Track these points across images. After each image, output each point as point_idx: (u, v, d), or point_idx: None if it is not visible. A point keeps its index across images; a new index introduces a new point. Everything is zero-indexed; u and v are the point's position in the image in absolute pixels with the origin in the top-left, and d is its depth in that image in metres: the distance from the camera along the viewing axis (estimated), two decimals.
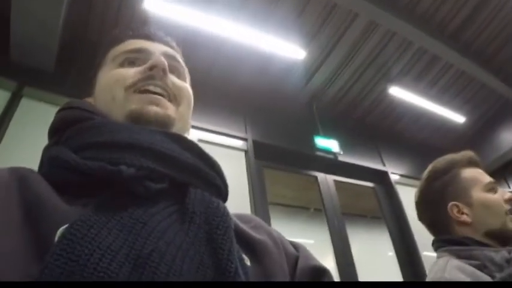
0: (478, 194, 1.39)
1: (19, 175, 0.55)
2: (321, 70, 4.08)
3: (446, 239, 1.41)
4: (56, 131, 0.66)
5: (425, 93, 4.53)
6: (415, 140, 5.01)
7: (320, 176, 3.92)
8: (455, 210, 1.40)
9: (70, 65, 2.89)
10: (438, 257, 1.38)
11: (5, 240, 0.46)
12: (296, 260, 0.67)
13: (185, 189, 0.60)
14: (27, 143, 2.22)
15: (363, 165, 4.22)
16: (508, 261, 1.19)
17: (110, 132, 0.60)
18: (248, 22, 3.36)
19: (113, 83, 0.71)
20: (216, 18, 3.24)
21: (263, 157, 3.50)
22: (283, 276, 0.62)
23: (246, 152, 3.41)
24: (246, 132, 3.57)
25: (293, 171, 3.93)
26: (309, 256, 0.69)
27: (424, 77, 4.43)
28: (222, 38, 3.45)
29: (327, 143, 4.03)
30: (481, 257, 1.24)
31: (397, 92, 4.32)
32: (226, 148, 3.28)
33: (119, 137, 0.59)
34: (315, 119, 4.23)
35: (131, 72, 0.71)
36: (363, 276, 3.39)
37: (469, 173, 1.45)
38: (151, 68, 0.70)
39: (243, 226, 0.67)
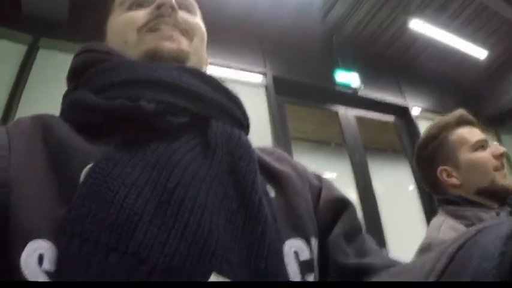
0: (465, 155, 1.43)
1: (41, 121, 0.55)
2: (340, 2, 3.96)
3: (443, 198, 1.47)
4: (74, 76, 0.66)
5: (447, 26, 4.36)
6: (436, 75, 4.89)
7: (341, 110, 3.89)
8: (444, 174, 1.46)
9: (83, 12, 2.85)
10: (439, 214, 1.43)
11: (32, 184, 0.47)
12: (319, 191, 0.67)
13: (206, 123, 0.59)
14: (48, 93, 2.23)
15: (384, 99, 4.17)
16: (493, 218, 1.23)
17: (128, 70, 0.59)
18: None
19: (124, 27, 0.70)
20: None
21: (283, 92, 3.47)
22: (307, 207, 0.62)
23: (266, 87, 3.38)
24: (265, 67, 3.53)
25: (314, 106, 3.90)
26: (331, 187, 0.69)
27: (445, 9, 4.26)
28: None
29: (347, 77, 3.96)
30: (472, 217, 1.30)
31: (418, 25, 4.16)
32: (246, 85, 3.26)
33: (137, 74, 0.58)
34: (334, 53, 4.15)
35: (140, 14, 0.70)
36: (384, 210, 3.42)
37: (457, 134, 1.49)
38: (158, 7, 0.69)
39: (266, 158, 0.67)
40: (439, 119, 1.58)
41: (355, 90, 3.95)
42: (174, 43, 0.67)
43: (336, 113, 3.87)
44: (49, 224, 0.44)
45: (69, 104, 0.60)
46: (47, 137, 0.53)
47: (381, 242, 2.99)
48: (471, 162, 1.42)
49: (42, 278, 0.41)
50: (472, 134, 1.48)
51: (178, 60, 0.66)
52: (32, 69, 2.58)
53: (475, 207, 1.36)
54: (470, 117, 1.54)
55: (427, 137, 1.54)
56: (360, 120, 3.94)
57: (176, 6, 0.70)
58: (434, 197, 1.56)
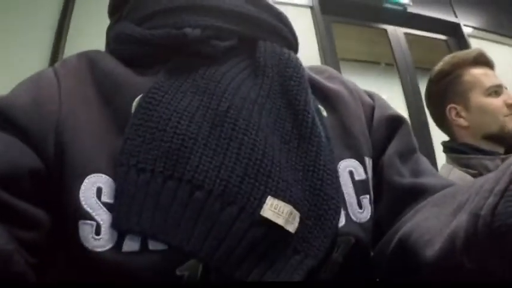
0: (477, 98, 1.39)
1: (88, 58, 0.55)
2: None
3: (448, 145, 1.46)
4: (115, 9, 0.65)
5: None
6: None
7: (390, 29, 3.74)
8: (453, 113, 1.43)
9: None
10: (446, 162, 1.45)
11: (85, 120, 0.48)
12: (372, 109, 0.65)
13: (254, 44, 0.58)
14: (93, 29, 2.23)
15: (434, 16, 3.97)
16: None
17: None
18: None
19: None
20: None
21: (330, 12, 3.36)
22: (360, 125, 0.61)
23: (311, 8, 3.27)
24: None
25: (362, 24, 3.76)
26: (385, 105, 0.67)
27: None
28: None
29: None
30: (478, 165, 1.30)
31: None
32: (291, 6, 3.17)
33: (179, 1, 0.57)
34: None
35: None
36: (435, 130, 3.35)
37: (471, 74, 1.44)
38: None
39: (317, 77, 0.65)
40: (453, 54, 1.53)
41: (404, 7, 3.78)
42: None
43: (385, 32, 3.73)
44: (105, 157, 0.45)
45: (113, 38, 0.60)
46: (95, 72, 0.53)
47: (433, 164, 2.94)
48: (482, 106, 1.39)
49: (102, 210, 0.43)
50: (487, 77, 1.42)
51: None
52: (73, 12, 2.58)
53: (479, 154, 1.34)
54: (488, 57, 1.48)
55: (439, 71, 1.49)
56: (410, 38, 3.78)
57: None
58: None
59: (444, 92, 1.47)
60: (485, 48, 1.52)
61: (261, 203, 0.44)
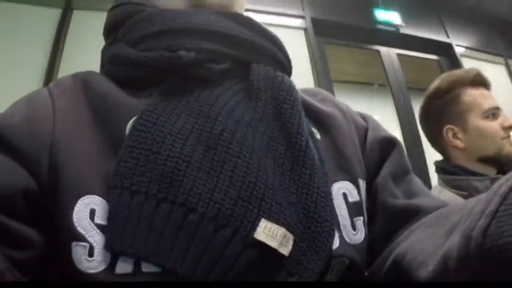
0: (475, 121, 1.39)
1: (82, 79, 0.56)
2: None
3: (441, 166, 1.45)
4: (110, 31, 0.65)
5: None
6: (481, 9, 4.61)
7: (383, 50, 3.78)
8: (450, 134, 1.42)
9: None
10: (437, 183, 1.44)
11: (79, 142, 0.48)
12: (366, 131, 0.65)
13: (248, 67, 0.58)
14: (87, 52, 2.24)
15: (427, 37, 4.02)
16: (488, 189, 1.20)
17: (164, 20, 0.58)
18: None
19: None
20: None
21: (323, 34, 3.39)
22: (354, 147, 0.61)
23: (305, 30, 3.30)
24: (303, 9, 3.44)
25: (355, 46, 3.80)
26: (378, 127, 0.68)
27: None
28: None
29: (388, 15, 3.81)
30: (468, 187, 1.30)
31: None
32: (284, 28, 3.19)
33: (174, 23, 0.57)
34: None
35: None
36: (429, 150, 3.36)
37: (470, 95, 1.42)
38: None
39: (310, 99, 0.65)
40: (450, 72, 1.52)
41: (397, 28, 3.82)
42: None
43: (378, 53, 3.77)
44: (99, 179, 0.45)
45: (108, 59, 0.60)
46: (90, 94, 0.53)
47: (427, 184, 2.95)
48: (480, 129, 1.38)
49: (95, 231, 0.43)
50: (485, 99, 1.42)
51: (226, 8, 0.62)
52: (68, 32, 2.60)
53: (470, 176, 1.34)
54: (485, 78, 1.47)
55: (437, 89, 1.48)
56: (402, 59, 3.82)
57: None
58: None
59: (441, 111, 1.46)
60: (475, 67, 1.51)
61: (254, 225, 0.44)
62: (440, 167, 1.47)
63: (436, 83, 1.49)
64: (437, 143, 1.50)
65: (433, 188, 1.47)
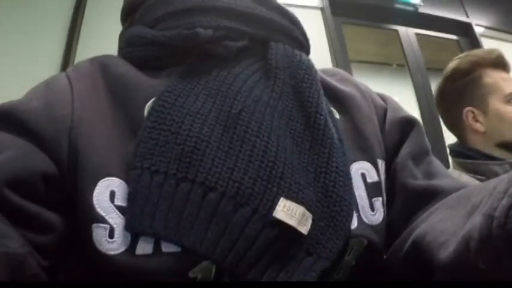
0: (496, 104, 1.34)
1: (100, 62, 0.56)
2: None
3: (456, 149, 1.41)
4: (127, 15, 0.65)
5: None
6: None
7: (401, 29, 3.72)
8: (470, 116, 1.37)
9: None
10: (453, 168, 1.39)
11: (98, 125, 0.48)
12: (385, 111, 0.65)
13: (266, 45, 0.58)
14: (104, 35, 2.23)
15: (446, 16, 3.95)
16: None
17: (180, 0, 0.58)
18: None
19: None
20: None
21: (340, 13, 3.35)
22: (373, 127, 0.61)
23: (322, 9, 3.27)
24: None
25: (373, 25, 3.75)
26: (397, 107, 0.67)
27: None
28: None
29: None
30: (487, 172, 1.25)
31: None
32: (301, 8, 3.16)
33: (191, 2, 0.57)
34: None
35: None
36: (447, 131, 3.32)
37: (491, 78, 1.37)
38: None
39: (329, 79, 0.65)
40: (470, 52, 1.46)
41: (415, 8, 3.76)
42: None
43: (397, 32, 3.72)
44: (118, 161, 0.46)
45: (126, 41, 0.61)
46: (108, 77, 0.53)
47: (446, 166, 2.90)
48: (501, 114, 1.33)
49: (115, 213, 0.43)
50: (507, 82, 1.37)
51: None
52: (84, 17, 2.60)
53: (488, 159, 1.30)
54: (507, 61, 1.42)
55: (456, 69, 1.41)
56: (421, 39, 3.76)
57: None
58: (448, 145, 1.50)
59: (461, 92, 1.41)
60: (495, 47, 1.47)
61: (273, 204, 0.44)
62: (455, 151, 1.43)
63: (454, 63, 1.44)
64: (455, 126, 1.46)
65: (449, 171, 1.43)
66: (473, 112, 1.37)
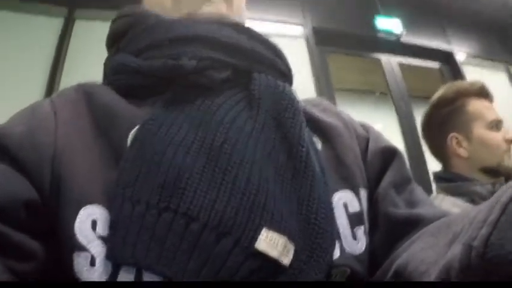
0: (479, 130, 1.42)
1: (84, 89, 0.56)
2: None
3: (440, 175, 1.49)
4: (113, 42, 0.66)
5: None
6: (482, 18, 4.64)
7: (384, 58, 3.79)
8: (454, 141, 1.45)
9: None
10: (437, 193, 1.46)
11: (81, 152, 0.48)
12: (367, 141, 0.65)
13: (249, 76, 0.59)
14: (89, 62, 2.26)
15: (428, 45, 4.02)
16: (492, 193, 1.18)
17: (166, 29, 0.58)
18: None
19: None
20: None
21: (324, 43, 3.40)
22: (355, 157, 0.61)
23: (306, 39, 3.32)
24: (304, 18, 3.45)
25: (356, 55, 3.82)
26: (379, 137, 0.68)
27: None
28: None
29: (389, 24, 3.82)
30: (469, 192, 1.32)
31: None
32: (285, 37, 3.21)
33: (176, 32, 0.58)
34: None
35: None
36: (431, 158, 3.35)
37: (475, 105, 1.46)
38: None
39: (312, 109, 0.66)
40: (455, 83, 1.56)
41: (397, 37, 3.83)
42: (212, 6, 0.63)
43: (379, 61, 3.78)
44: (100, 189, 0.46)
45: (112, 69, 0.61)
46: (92, 105, 0.53)
47: (429, 192, 2.93)
48: (484, 139, 1.41)
49: (97, 242, 0.43)
50: (490, 110, 1.46)
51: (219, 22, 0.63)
52: (70, 41, 2.62)
53: (469, 182, 1.37)
54: (490, 91, 1.51)
55: (442, 98, 1.51)
56: (404, 67, 3.83)
57: None
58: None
59: (446, 119, 1.48)
60: (478, 75, 1.57)
61: (256, 234, 0.44)
62: (439, 177, 1.49)
63: (440, 92, 1.52)
64: (439, 152, 1.52)
65: (432, 197, 1.47)
66: (457, 138, 1.44)
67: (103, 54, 0.68)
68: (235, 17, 0.66)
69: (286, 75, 0.65)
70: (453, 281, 0.38)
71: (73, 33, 2.66)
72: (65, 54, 2.55)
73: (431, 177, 1.54)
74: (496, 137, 1.41)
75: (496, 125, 1.43)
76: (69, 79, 2.42)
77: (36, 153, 0.46)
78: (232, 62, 0.58)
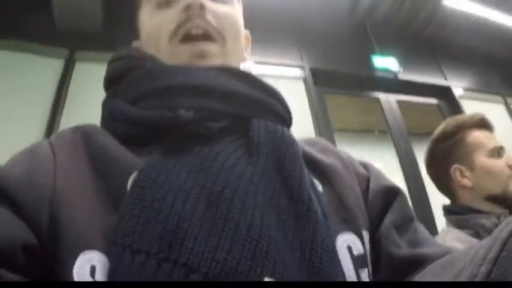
0: (481, 159, 1.45)
1: (83, 132, 0.56)
2: None
3: (448, 209, 1.49)
4: (110, 83, 0.67)
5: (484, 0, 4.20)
6: (477, 51, 4.71)
7: (382, 96, 3.82)
8: (457, 173, 1.47)
9: (116, 22, 2.87)
10: (446, 225, 1.47)
11: (80, 196, 0.48)
12: (367, 180, 0.66)
13: (248, 122, 0.59)
14: (89, 104, 2.28)
15: (425, 81, 4.07)
16: (496, 225, 1.18)
17: (163, 77, 0.59)
18: None
19: (154, 34, 0.68)
20: None
21: (322, 83, 3.44)
22: (356, 197, 0.61)
23: (304, 80, 3.36)
24: (301, 60, 3.51)
25: (354, 94, 3.85)
26: (380, 176, 0.68)
27: None
28: None
29: (386, 62, 3.88)
30: (474, 225, 1.32)
31: (453, 1, 4.06)
32: (283, 79, 3.24)
33: (173, 81, 0.58)
34: (370, 38, 4.08)
35: (169, 16, 0.67)
36: (433, 195, 3.34)
37: (475, 136, 1.49)
38: (186, 9, 0.65)
39: (311, 150, 0.66)
40: (455, 117, 1.59)
41: (394, 75, 3.88)
42: (206, 59, 0.65)
43: (378, 100, 3.81)
44: (100, 234, 0.45)
45: (109, 115, 0.61)
46: (91, 148, 0.54)
47: (432, 229, 2.92)
48: (487, 167, 1.43)
49: None
50: (490, 139, 1.49)
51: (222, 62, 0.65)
52: (70, 83, 2.65)
53: (476, 214, 1.37)
54: (489, 122, 1.55)
55: (443, 133, 1.54)
56: (402, 105, 3.86)
57: (204, 4, 0.66)
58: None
59: (448, 152, 1.50)
60: (476, 108, 1.59)
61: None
62: (447, 209, 1.49)
63: (441, 127, 1.55)
64: (444, 185, 1.53)
65: (440, 231, 1.49)
66: (460, 169, 1.46)
67: (103, 96, 0.69)
68: (232, 60, 0.67)
69: (285, 118, 0.66)
70: (458, 281, 0.38)
71: (73, 75, 2.70)
72: (66, 95, 2.58)
73: (441, 212, 1.54)
74: (499, 164, 1.42)
75: (498, 152, 1.45)
76: (69, 120, 2.45)
77: (34, 195, 0.46)
78: (230, 110, 0.58)
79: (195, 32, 0.65)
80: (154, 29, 0.68)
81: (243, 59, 0.75)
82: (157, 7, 0.70)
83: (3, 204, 0.45)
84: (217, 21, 0.67)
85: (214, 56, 0.66)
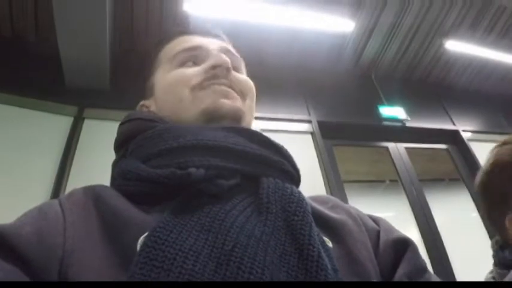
0: None
1: (94, 192, 0.57)
2: (373, 37, 3.98)
3: (497, 260, 1.21)
4: (121, 145, 0.69)
5: (483, 41, 4.26)
6: (482, 93, 4.76)
7: (391, 145, 3.83)
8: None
9: (124, 80, 2.96)
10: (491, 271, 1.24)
11: (89, 257, 0.48)
12: (378, 234, 0.66)
13: (257, 180, 0.60)
14: (97, 161, 2.32)
15: (433, 127, 4.08)
16: None
17: (174, 137, 0.61)
18: (291, 4, 3.33)
19: (178, 84, 0.71)
20: (257, 5, 3.24)
21: (330, 136, 3.47)
22: (367, 252, 0.61)
23: (312, 133, 3.39)
24: (309, 114, 3.55)
25: (362, 145, 3.87)
26: (390, 229, 0.68)
27: (478, 24, 4.17)
28: (267, 25, 3.46)
29: (392, 111, 3.92)
30: None
31: (454, 45, 4.13)
32: (292, 133, 3.27)
33: (184, 140, 0.60)
34: (376, 89, 4.14)
35: (194, 71, 0.72)
36: (448, 243, 3.28)
37: None
38: (214, 67, 0.71)
39: (320, 208, 0.67)
40: (504, 140, 1.26)
41: (402, 123, 3.90)
42: (231, 100, 0.68)
43: (386, 149, 3.81)
44: None
45: (120, 174, 0.62)
46: (101, 208, 0.55)
47: (449, 275, 2.85)
48: None
49: None
50: None
51: (235, 118, 0.68)
52: (79, 140, 2.70)
53: None
54: None
55: (497, 163, 1.22)
56: (411, 152, 3.86)
57: (231, 67, 0.72)
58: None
59: (503, 193, 1.18)
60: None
61: None
62: (496, 261, 1.22)
63: (493, 159, 1.25)
64: (496, 224, 1.23)
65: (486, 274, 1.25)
66: None
67: (111, 153, 0.71)
68: (248, 117, 0.70)
69: (293, 176, 0.67)
70: (458, 281, 0.37)
71: (82, 132, 2.75)
72: (74, 152, 2.62)
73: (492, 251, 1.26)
74: None
75: None
76: (77, 177, 2.49)
77: (44, 255, 0.47)
78: (240, 168, 0.60)
79: (218, 87, 0.70)
80: (177, 81, 0.72)
81: (252, 120, 0.77)
82: (180, 65, 0.74)
83: (14, 261, 0.45)
84: (239, 83, 0.73)
85: (236, 99, 0.70)
